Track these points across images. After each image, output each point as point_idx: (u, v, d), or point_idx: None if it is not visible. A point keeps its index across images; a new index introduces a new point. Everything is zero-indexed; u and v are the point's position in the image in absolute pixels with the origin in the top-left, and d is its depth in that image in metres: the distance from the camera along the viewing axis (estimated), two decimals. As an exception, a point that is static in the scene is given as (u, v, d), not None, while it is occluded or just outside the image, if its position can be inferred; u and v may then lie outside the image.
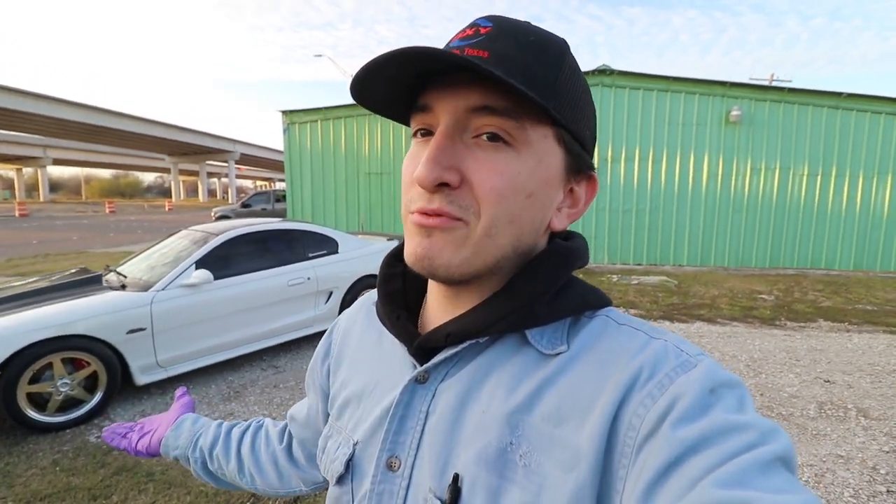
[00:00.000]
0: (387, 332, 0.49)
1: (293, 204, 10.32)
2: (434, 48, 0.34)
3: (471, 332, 0.41)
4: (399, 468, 0.43)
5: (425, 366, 0.44)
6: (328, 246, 4.45)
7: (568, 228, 0.47)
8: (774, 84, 12.32)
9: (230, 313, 3.60)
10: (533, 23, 0.41)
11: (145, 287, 3.28)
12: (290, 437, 0.68)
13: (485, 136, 0.38)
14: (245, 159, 43.78)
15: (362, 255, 4.65)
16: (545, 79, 0.38)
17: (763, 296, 7.10)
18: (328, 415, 0.58)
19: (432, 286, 0.48)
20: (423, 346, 0.44)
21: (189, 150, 36.39)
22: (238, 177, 46.75)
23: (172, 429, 0.70)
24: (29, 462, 2.52)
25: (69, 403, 2.89)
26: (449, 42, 0.40)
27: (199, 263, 3.52)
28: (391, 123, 9.82)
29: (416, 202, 0.40)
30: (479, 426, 0.40)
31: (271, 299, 3.87)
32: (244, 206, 14.79)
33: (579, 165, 0.43)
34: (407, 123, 0.44)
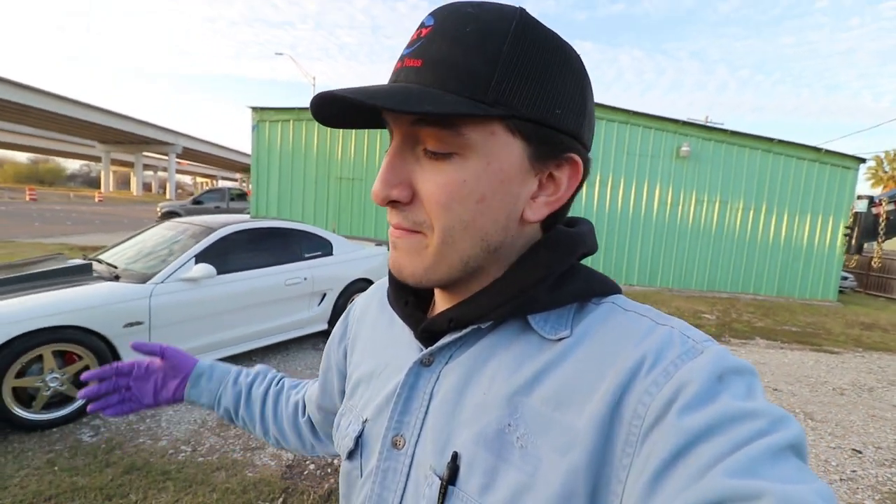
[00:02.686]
0: (397, 316, 0.51)
1: (257, 203, 9.96)
2: (333, 92, 0.36)
3: (472, 318, 0.42)
4: (403, 446, 0.44)
5: (429, 349, 0.45)
6: (323, 247, 4.43)
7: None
8: (708, 125, 13.70)
9: (228, 310, 3.50)
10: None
11: (143, 279, 3.13)
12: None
13: (428, 150, 0.38)
14: (187, 153, 41.18)
15: (356, 258, 4.66)
16: (484, 73, 0.36)
17: (706, 315, 7.82)
18: (345, 394, 0.60)
19: None
20: (428, 330, 0.45)
21: (125, 138, 33.67)
22: (177, 172, 43.91)
23: (191, 386, 0.71)
24: (18, 462, 2.32)
25: (57, 400, 2.68)
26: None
27: (199, 257, 3.40)
28: (364, 130, 9.82)
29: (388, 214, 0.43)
30: (479, 407, 0.40)
31: (269, 298, 3.79)
32: (196, 202, 14.03)
33: (550, 150, 0.40)
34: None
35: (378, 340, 0.54)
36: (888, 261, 14.10)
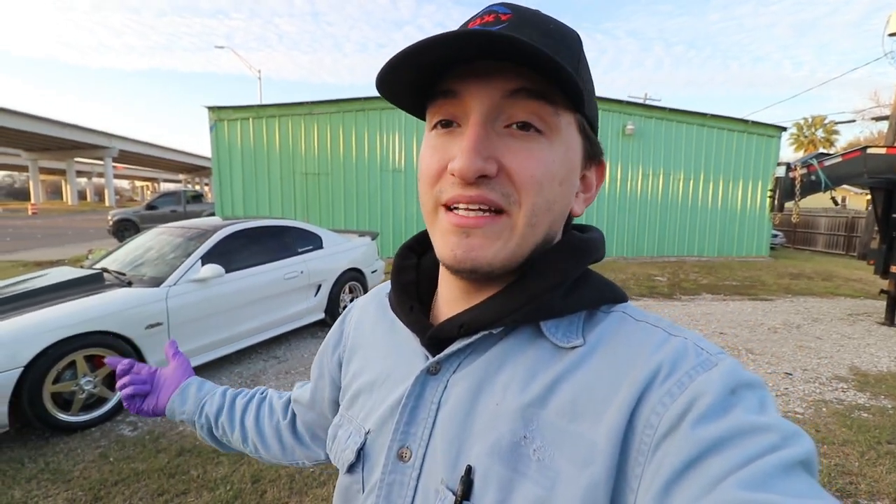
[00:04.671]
0: (399, 322, 0.49)
1: (222, 203, 9.83)
2: (480, 30, 0.33)
3: (484, 323, 0.41)
4: (410, 459, 0.42)
5: (437, 357, 0.44)
6: (314, 241, 4.66)
7: (584, 221, 0.50)
8: (648, 102, 14.65)
9: (236, 306, 3.70)
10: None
11: (155, 283, 3.29)
12: (294, 413, 0.68)
13: (516, 126, 0.38)
14: (124, 157, 38.70)
15: (344, 249, 4.92)
16: (572, 67, 0.38)
17: (658, 277, 8.64)
18: (336, 403, 0.58)
19: (446, 278, 0.47)
20: (435, 337, 0.44)
21: (55, 144, 31.21)
22: (114, 177, 41.19)
23: (178, 393, 0.71)
24: (72, 459, 2.50)
25: (92, 402, 2.85)
26: (466, 28, 0.39)
27: (205, 258, 3.58)
28: (328, 125, 9.89)
29: (448, 192, 0.39)
30: (492, 418, 0.39)
31: (271, 292, 4.02)
32: (149, 207, 13.53)
33: (594, 152, 0.44)
34: (415, 114, 0.43)
35: (379, 349, 0.53)
36: (809, 217, 15.78)
